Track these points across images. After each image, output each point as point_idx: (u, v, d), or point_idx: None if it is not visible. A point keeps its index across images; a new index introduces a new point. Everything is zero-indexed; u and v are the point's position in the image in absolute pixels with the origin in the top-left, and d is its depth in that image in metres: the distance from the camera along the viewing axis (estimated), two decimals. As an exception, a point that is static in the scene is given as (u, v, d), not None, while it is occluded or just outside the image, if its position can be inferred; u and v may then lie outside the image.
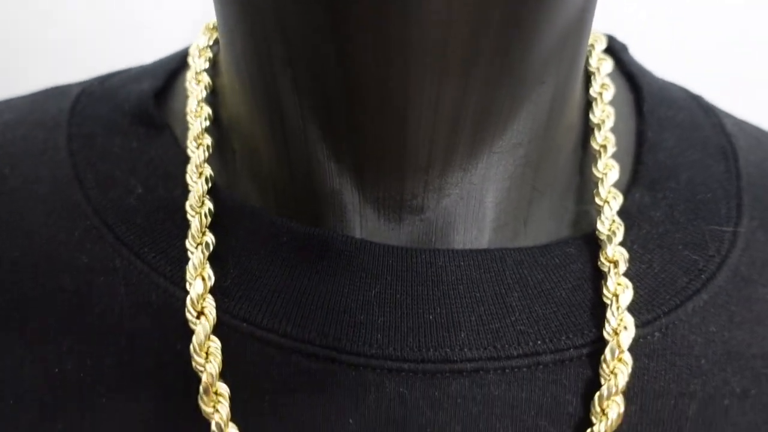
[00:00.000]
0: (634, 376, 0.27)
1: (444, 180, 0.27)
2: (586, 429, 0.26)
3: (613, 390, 0.26)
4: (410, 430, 0.26)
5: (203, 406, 0.26)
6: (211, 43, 0.33)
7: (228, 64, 0.29)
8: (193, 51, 0.32)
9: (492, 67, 0.24)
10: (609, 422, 0.26)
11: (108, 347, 0.27)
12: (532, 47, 0.25)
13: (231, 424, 0.26)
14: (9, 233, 0.29)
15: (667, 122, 0.33)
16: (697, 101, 0.35)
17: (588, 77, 0.32)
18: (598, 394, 0.26)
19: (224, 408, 0.26)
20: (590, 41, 0.33)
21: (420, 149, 0.26)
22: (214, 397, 0.26)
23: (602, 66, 0.32)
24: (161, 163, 0.30)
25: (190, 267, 0.27)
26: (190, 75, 0.32)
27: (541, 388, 0.27)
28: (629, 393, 0.27)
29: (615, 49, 0.35)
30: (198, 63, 0.32)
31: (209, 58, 0.32)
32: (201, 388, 0.26)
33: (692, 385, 0.27)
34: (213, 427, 0.26)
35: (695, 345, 0.27)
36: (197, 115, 0.30)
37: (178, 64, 0.34)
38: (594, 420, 0.26)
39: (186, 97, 0.31)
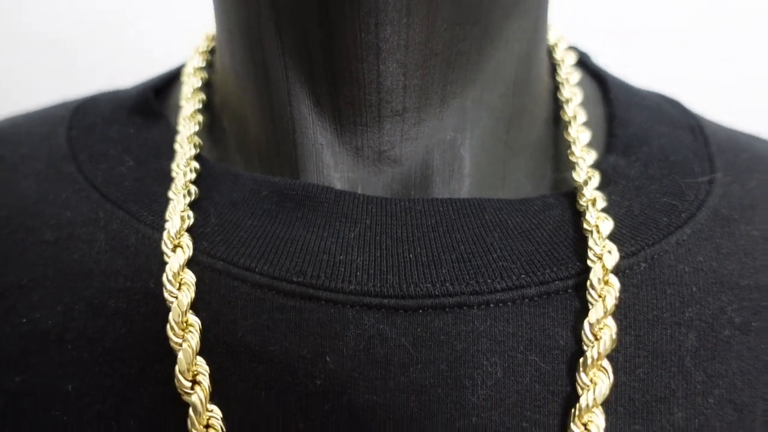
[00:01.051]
0: (624, 306, 0.26)
1: (419, 129, 0.28)
2: (579, 359, 0.25)
3: (602, 313, 0.25)
4: (392, 369, 0.25)
5: (172, 336, 0.25)
6: (209, 48, 0.36)
7: (222, 44, 0.32)
8: (191, 53, 0.35)
9: (453, 8, 0.27)
10: (602, 346, 0.24)
11: (80, 292, 0.26)
12: None
13: (199, 357, 0.25)
14: (0, 198, 0.30)
15: (633, 106, 0.34)
16: (661, 95, 0.37)
17: (554, 67, 0.35)
18: (587, 319, 0.25)
19: (194, 338, 0.25)
20: (554, 41, 0.36)
21: (394, 92, 0.27)
22: (184, 327, 0.25)
23: (566, 58, 0.35)
24: (155, 143, 0.32)
25: (170, 208, 0.27)
26: (187, 71, 0.34)
27: (529, 322, 0.25)
28: (622, 323, 0.25)
29: (578, 53, 0.38)
30: (195, 61, 0.35)
31: (207, 59, 0.35)
32: (170, 316, 0.25)
33: (687, 314, 0.26)
34: (180, 356, 0.24)
35: (684, 274, 0.26)
36: (190, 99, 0.33)
37: (178, 69, 0.36)
38: (586, 347, 0.25)
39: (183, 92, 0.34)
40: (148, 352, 0.25)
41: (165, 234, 0.26)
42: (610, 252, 0.26)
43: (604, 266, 0.25)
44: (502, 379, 0.25)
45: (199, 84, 0.33)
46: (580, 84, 0.34)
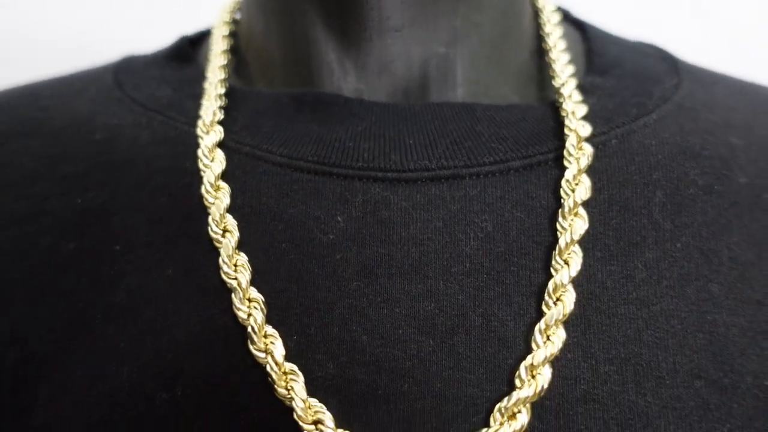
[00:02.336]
0: (598, 172, 0.29)
1: (416, 44, 0.33)
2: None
3: (576, 170, 0.28)
4: (395, 227, 0.28)
5: (206, 196, 0.29)
6: (236, 8, 0.41)
7: None
8: (220, 12, 0.41)
9: None
10: (579, 195, 0.28)
11: (127, 175, 0.31)
12: None
13: (228, 216, 0.28)
14: (58, 115, 0.35)
15: (609, 43, 0.39)
16: (638, 41, 0.41)
17: (536, 14, 0.40)
18: (564, 178, 0.28)
19: (225, 199, 0.29)
20: None
21: (393, 9, 0.32)
22: (216, 189, 0.29)
23: (547, 5, 0.40)
24: (188, 77, 0.37)
25: (204, 108, 0.32)
26: (215, 23, 0.40)
27: (514, 187, 0.29)
28: (596, 185, 0.29)
29: (559, 7, 0.43)
30: (222, 16, 0.40)
31: (233, 16, 0.40)
32: (205, 180, 0.29)
33: (654, 176, 0.29)
34: (213, 210, 0.28)
35: (651, 146, 0.30)
36: (219, 42, 0.38)
37: (210, 28, 0.42)
38: (564, 199, 0.28)
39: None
40: (184, 215, 0.29)
41: (200, 122, 0.31)
42: (583, 126, 0.30)
43: (578, 135, 0.29)
44: (492, 232, 0.28)
45: (227, 32, 0.39)
46: (560, 24, 0.38)
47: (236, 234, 0.28)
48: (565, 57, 0.35)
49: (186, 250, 0.28)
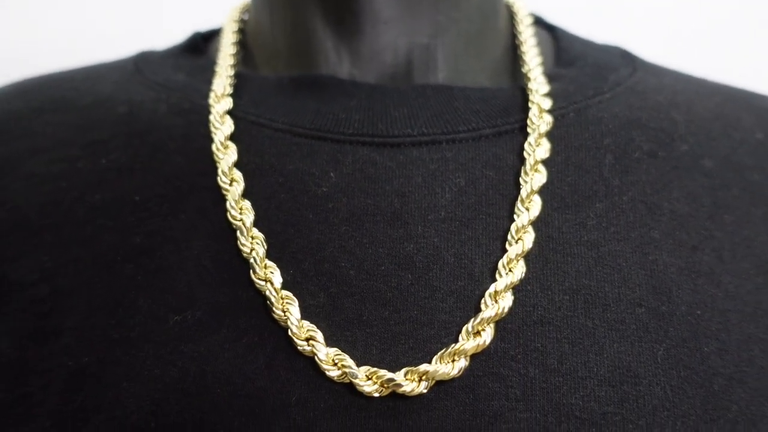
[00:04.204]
0: (556, 138, 0.34)
1: (403, 35, 0.38)
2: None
3: (537, 135, 0.33)
4: (381, 181, 0.32)
5: (216, 152, 0.33)
6: (245, 8, 0.46)
7: None
8: (231, 8, 0.46)
9: None
10: (538, 154, 0.32)
11: (146, 139, 0.35)
12: None
13: (235, 169, 0.33)
14: (85, 93, 0.39)
15: (576, 40, 0.44)
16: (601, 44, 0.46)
17: (511, 16, 0.45)
18: (527, 141, 0.33)
19: (233, 155, 0.33)
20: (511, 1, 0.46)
21: (383, 4, 0.37)
22: (226, 146, 0.33)
23: (521, 9, 0.45)
24: (201, 66, 0.41)
25: (215, 83, 0.37)
26: (226, 20, 0.45)
27: (485, 150, 0.33)
28: (554, 149, 0.33)
29: (533, 15, 0.48)
30: (232, 14, 0.45)
31: (242, 15, 0.46)
32: (215, 138, 0.33)
33: (605, 141, 0.34)
34: (221, 164, 0.32)
35: (603, 118, 0.35)
36: (229, 36, 0.43)
37: (221, 26, 0.47)
38: (526, 158, 0.32)
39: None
40: (197, 171, 0.33)
41: (212, 94, 0.35)
42: (545, 100, 0.34)
43: (540, 107, 0.34)
44: (464, 187, 0.32)
45: (236, 28, 0.44)
46: (532, 26, 0.44)
47: (242, 183, 0.32)
48: (535, 51, 0.40)
49: (198, 199, 0.32)
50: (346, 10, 0.37)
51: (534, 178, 0.32)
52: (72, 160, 0.35)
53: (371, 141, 0.34)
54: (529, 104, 0.35)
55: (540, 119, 0.34)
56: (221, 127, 0.34)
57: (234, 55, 0.40)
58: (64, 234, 0.33)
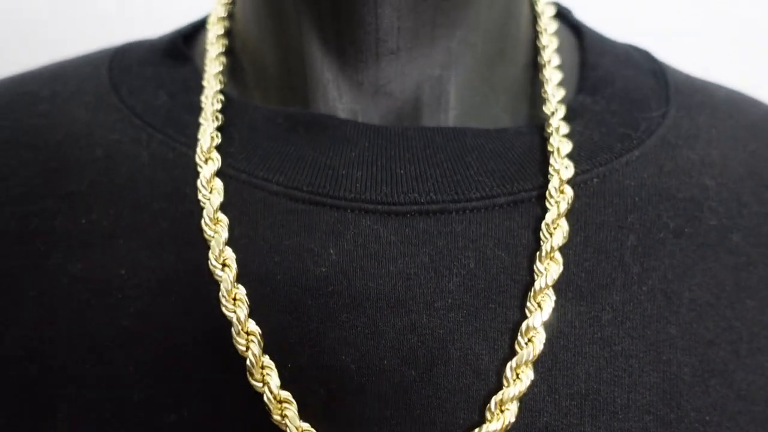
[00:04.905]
0: (577, 212, 0.31)
1: (411, 66, 0.33)
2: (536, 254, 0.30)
3: (556, 214, 0.30)
4: (384, 260, 0.30)
5: (206, 230, 0.30)
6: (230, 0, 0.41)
7: None
8: (214, 5, 0.41)
9: None
10: (556, 241, 0.30)
11: (128, 197, 0.32)
12: None
13: (227, 248, 0.30)
14: (57, 124, 0.35)
15: (604, 53, 0.39)
16: (632, 46, 0.41)
17: (535, 19, 0.39)
18: (544, 221, 0.30)
19: (223, 233, 0.30)
20: None
21: (389, 33, 0.33)
22: (216, 222, 0.30)
23: (546, 10, 0.40)
24: (185, 81, 0.37)
25: (201, 130, 0.33)
26: (210, 20, 0.39)
27: (497, 224, 0.31)
28: (574, 226, 0.31)
29: (560, 8, 0.43)
30: (218, 10, 0.40)
31: (228, 10, 0.40)
32: (204, 214, 0.30)
33: (629, 219, 0.31)
34: (213, 245, 0.30)
35: (630, 187, 0.32)
36: (214, 44, 0.38)
37: (204, 19, 0.42)
38: (542, 242, 0.30)
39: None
40: (186, 243, 0.31)
41: (198, 149, 0.32)
42: (566, 168, 0.31)
43: (560, 178, 0.31)
44: (473, 269, 0.30)
45: (222, 31, 0.38)
46: (557, 33, 0.39)
47: (234, 267, 0.30)
48: (558, 76, 0.36)
49: (188, 279, 0.30)
50: (348, 39, 0.33)
51: (549, 269, 0.29)
52: (49, 216, 0.33)
53: (374, 209, 0.31)
54: (549, 169, 0.31)
55: (560, 194, 0.31)
56: (210, 195, 0.31)
57: (220, 73, 0.36)
58: (48, 308, 0.31)
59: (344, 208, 0.31)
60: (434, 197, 0.31)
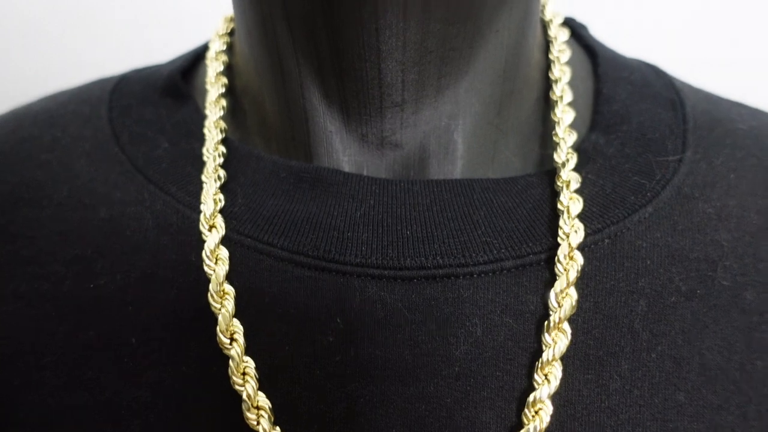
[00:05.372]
0: (587, 276, 0.30)
1: (417, 117, 0.32)
2: (545, 322, 0.30)
3: (565, 284, 0.30)
4: (390, 328, 0.30)
5: (212, 302, 0.30)
6: (228, 30, 0.39)
7: (240, 37, 0.35)
8: (213, 36, 0.39)
9: (447, 10, 0.30)
10: (564, 312, 0.29)
11: (135, 263, 0.32)
12: None
13: (235, 319, 0.30)
14: (59, 178, 0.35)
15: (620, 81, 0.37)
16: (650, 67, 0.39)
17: (548, 45, 0.37)
18: (553, 289, 0.30)
19: (230, 304, 0.30)
20: (549, 17, 0.39)
21: (394, 87, 0.31)
22: (222, 294, 0.30)
23: (559, 35, 0.38)
24: (185, 124, 0.36)
25: (204, 192, 0.32)
26: (210, 54, 0.38)
27: (505, 289, 0.30)
28: (584, 291, 0.30)
29: (574, 26, 0.40)
30: (217, 45, 0.38)
31: (227, 42, 0.39)
32: (210, 287, 0.30)
33: (640, 283, 0.30)
34: (220, 318, 0.30)
35: (641, 249, 0.31)
36: (214, 84, 0.37)
37: (202, 50, 0.40)
38: (551, 312, 0.30)
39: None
40: (194, 314, 0.31)
41: (201, 216, 0.32)
42: (576, 231, 0.30)
43: (570, 244, 0.30)
44: (481, 337, 0.30)
45: (221, 68, 0.37)
46: (570, 62, 0.37)
47: (242, 341, 0.30)
48: (570, 116, 0.34)
49: (198, 352, 0.31)
50: (350, 93, 0.32)
51: (557, 340, 0.29)
52: (57, 280, 0.33)
53: (380, 274, 0.31)
54: (559, 233, 0.31)
55: (569, 261, 0.30)
56: (216, 267, 0.31)
57: (221, 119, 0.35)
58: (63, 375, 0.32)
59: (350, 274, 0.31)
60: (441, 261, 0.31)
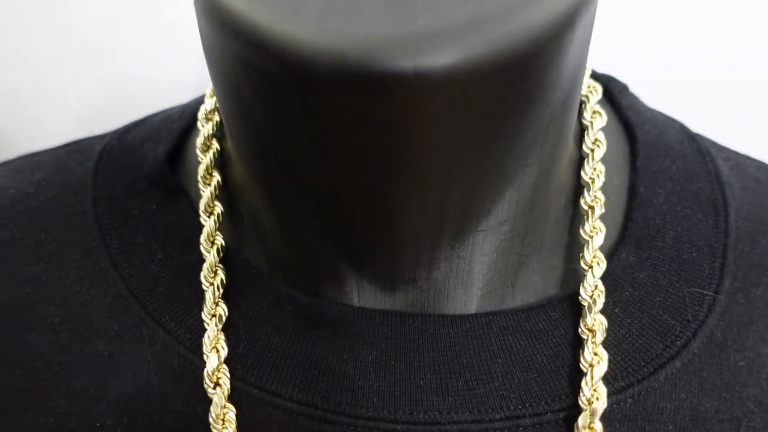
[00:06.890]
0: None
1: (434, 256, 0.29)
2: None
3: None
4: None
5: None
6: (217, 106, 0.34)
7: (233, 149, 0.31)
8: (200, 115, 0.34)
9: (472, 171, 0.26)
10: None
11: (141, 408, 0.31)
12: (513, 146, 0.26)
13: None
14: (51, 300, 0.33)
15: (659, 175, 0.33)
16: (694, 145, 0.35)
17: (582, 131, 0.33)
18: None
19: None
20: (586, 92, 0.34)
21: (408, 244, 0.28)
22: None
23: (596, 121, 0.33)
24: (178, 228, 0.33)
25: (206, 339, 0.30)
26: (199, 141, 0.34)
27: None
28: None
29: (613, 94, 0.35)
30: (206, 128, 0.34)
31: (216, 122, 0.34)
32: None
33: None
34: None
35: (665, 411, 0.30)
36: (207, 182, 0.33)
37: (188, 123, 0.35)
38: None
39: (198, 162, 0.33)
40: None
41: (205, 373, 0.30)
42: (598, 399, 0.29)
43: (590, 412, 0.29)
44: None
45: (213, 160, 0.33)
46: (604, 159, 0.32)
47: None
48: (601, 236, 0.31)
49: None
50: (360, 244, 0.29)
51: None
52: (63, 414, 0.32)
53: (392, 429, 0.30)
54: (580, 396, 0.29)
55: (588, 430, 0.29)
56: (223, 429, 0.30)
57: (215, 230, 0.32)
58: None
59: (362, 427, 0.30)
60: (456, 417, 0.30)
